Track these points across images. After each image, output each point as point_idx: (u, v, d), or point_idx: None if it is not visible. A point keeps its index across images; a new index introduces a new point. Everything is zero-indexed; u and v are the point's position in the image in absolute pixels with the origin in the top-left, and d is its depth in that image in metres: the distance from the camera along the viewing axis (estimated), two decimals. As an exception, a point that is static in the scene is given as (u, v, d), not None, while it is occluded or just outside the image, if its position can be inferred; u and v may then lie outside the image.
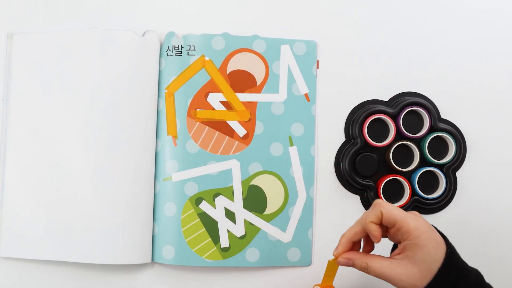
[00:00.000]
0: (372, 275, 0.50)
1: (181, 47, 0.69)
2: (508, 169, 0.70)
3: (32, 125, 0.68)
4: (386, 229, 0.52)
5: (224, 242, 0.68)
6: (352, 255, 0.52)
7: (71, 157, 0.66)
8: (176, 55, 0.69)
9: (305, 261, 0.68)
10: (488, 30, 0.72)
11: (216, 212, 0.68)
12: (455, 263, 0.49)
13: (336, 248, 0.53)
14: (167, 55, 0.69)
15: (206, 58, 0.69)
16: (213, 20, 0.71)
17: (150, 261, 0.67)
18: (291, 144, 0.69)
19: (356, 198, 0.70)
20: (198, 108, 0.69)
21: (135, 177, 0.66)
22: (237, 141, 0.69)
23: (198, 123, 0.69)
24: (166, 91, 0.69)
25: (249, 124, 0.69)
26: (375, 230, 0.50)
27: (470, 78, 0.71)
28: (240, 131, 0.69)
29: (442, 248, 0.48)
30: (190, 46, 0.69)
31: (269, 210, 0.68)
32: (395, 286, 0.49)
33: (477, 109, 0.71)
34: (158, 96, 0.69)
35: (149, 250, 0.67)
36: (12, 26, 0.71)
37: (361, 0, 0.72)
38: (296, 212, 0.68)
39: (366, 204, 0.69)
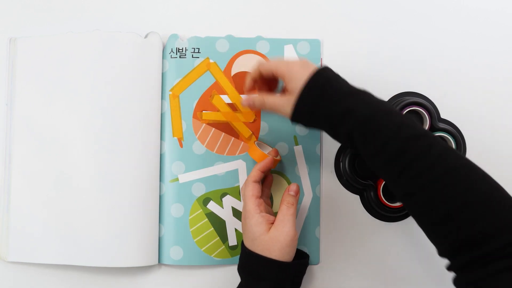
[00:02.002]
0: (267, 108, 0.59)
1: (186, 50, 0.69)
2: (507, 169, 0.71)
3: (36, 129, 0.67)
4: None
5: (232, 240, 0.69)
6: (252, 96, 0.61)
7: (76, 160, 0.66)
8: (180, 57, 0.69)
9: (313, 260, 0.69)
10: (488, 30, 0.72)
11: (223, 212, 0.69)
12: (321, 87, 0.55)
13: (244, 86, 0.64)
14: (171, 57, 0.69)
15: (211, 61, 0.69)
16: (216, 22, 0.71)
17: (157, 263, 0.68)
18: (296, 144, 0.70)
19: (356, 198, 0.71)
20: (204, 110, 0.69)
21: (140, 179, 0.67)
22: (242, 142, 0.69)
23: (204, 124, 0.69)
24: (171, 93, 0.69)
25: (254, 125, 0.69)
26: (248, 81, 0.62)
27: (470, 78, 0.72)
28: (246, 132, 0.70)
29: (308, 73, 0.55)
30: (194, 48, 0.69)
31: (275, 208, 0.69)
32: (283, 114, 0.58)
33: (477, 109, 0.71)
34: (162, 98, 0.69)
35: (156, 252, 0.68)
36: (15, 30, 0.70)
37: (361, 1, 0.72)
38: (302, 211, 0.69)
39: (366, 204, 0.70)
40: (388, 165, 0.52)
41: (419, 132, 0.51)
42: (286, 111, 0.57)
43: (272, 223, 0.59)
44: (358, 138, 0.53)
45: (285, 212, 0.59)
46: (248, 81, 0.62)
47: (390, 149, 0.51)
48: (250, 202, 0.60)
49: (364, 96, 0.55)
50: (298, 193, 0.63)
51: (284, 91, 0.60)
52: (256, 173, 0.62)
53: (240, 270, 0.61)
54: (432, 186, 0.48)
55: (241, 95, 0.70)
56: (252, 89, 0.63)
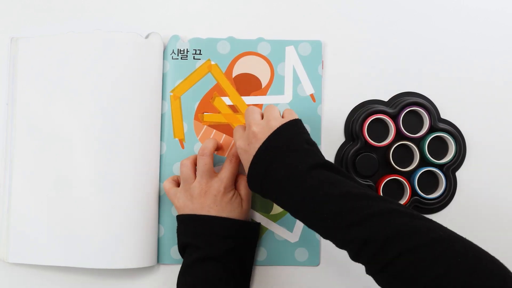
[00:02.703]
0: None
1: (187, 51, 0.69)
2: (508, 169, 0.71)
3: (37, 129, 0.67)
4: None
5: (232, 242, 0.69)
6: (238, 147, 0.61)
7: (76, 160, 0.66)
8: (181, 58, 0.69)
9: (313, 261, 0.69)
10: (488, 29, 0.72)
11: (223, 213, 0.69)
12: (265, 159, 0.56)
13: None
14: (172, 58, 0.69)
15: (212, 62, 0.69)
16: (216, 22, 0.71)
17: (156, 263, 0.68)
18: None
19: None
20: (205, 112, 0.69)
21: (140, 180, 0.67)
22: (243, 144, 0.69)
23: (205, 126, 0.69)
24: (172, 94, 0.69)
25: (255, 127, 0.70)
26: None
27: (471, 78, 0.72)
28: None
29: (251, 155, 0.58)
30: (196, 50, 0.69)
31: (275, 210, 0.69)
32: None
33: (477, 109, 0.71)
34: (162, 99, 0.69)
35: (155, 253, 0.68)
36: (15, 30, 0.70)
37: (362, 1, 0.72)
38: (303, 212, 0.69)
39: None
40: (343, 248, 0.52)
41: (365, 213, 0.50)
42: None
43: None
44: (307, 212, 0.54)
45: (226, 165, 0.65)
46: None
47: (336, 235, 0.52)
48: (187, 162, 0.64)
49: (315, 168, 0.54)
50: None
51: None
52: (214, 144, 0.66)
53: (187, 243, 0.62)
54: (389, 269, 0.47)
55: (242, 97, 0.70)
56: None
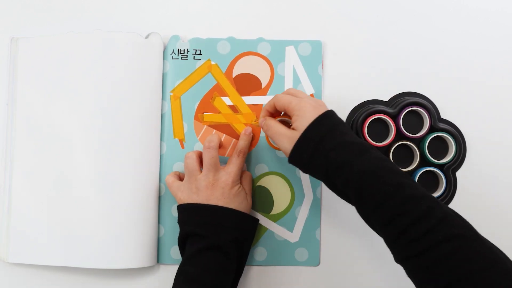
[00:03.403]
0: (271, 134, 0.61)
1: (187, 51, 0.69)
2: (508, 169, 0.71)
3: (37, 129, 0.67)
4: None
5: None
6: (266, 118, 0.63)
7: (76, 160, 0.66)
8: (181, 58, 0.69)
9: (313, 261, 0.69)
10: (488, 30, 0.72)
11: (224, 213, 0.69)
12: (325, 132, 0.55)
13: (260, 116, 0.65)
14: (172, 58, 0.69)
15: (212, 63, 0.70)
16: (216, 22, 0.71)
17: (156, 263, 0.68)
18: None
19: (358, 198, 0.71)
20: (205, 112, 0.69)
21: (139, 180, 0.67)
22: (243, 144, 0.70)
23: (205, 126, 0.69)
24: (172, 94, 0.69)
25: (254, 127, 0.70)
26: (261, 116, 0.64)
27: (470, 78, 0.72)
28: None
29: (317, 114, 0.57)
30: (196, 50, 0.70)
31: (275, 210, 0.69)
32: (282, 149, 0.59)
33: (477, 109, 0.71)
34: (162, 99, 0.69)
35: (155, 253, 0.68)
36: (15, 29, 0.70)
37: (362, 1, 0.72)
38: (303, 212, 0.69)
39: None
40: (386, 226, 0.50)
41: (420, 194, 0.50)
42: (285, 146, 0.58)
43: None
44: (354, 193, 0.52)
45: (232, 159, 0.65)
46: (262, 113, 0.64)
47: (388, 208, 0.50)
48: (193, 155, 0.65)
49: (366, 150, 0.54)
50: (249, 134, 0.67)
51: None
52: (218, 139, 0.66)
53: (190, 231, 0.62)
54: (431, 253, 0.47)
55: (242, 97, 0.70)
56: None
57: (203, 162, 0.64)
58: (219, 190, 0.62)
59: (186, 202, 0.63)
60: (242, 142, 0.66)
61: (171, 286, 0.60)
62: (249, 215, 0.65)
